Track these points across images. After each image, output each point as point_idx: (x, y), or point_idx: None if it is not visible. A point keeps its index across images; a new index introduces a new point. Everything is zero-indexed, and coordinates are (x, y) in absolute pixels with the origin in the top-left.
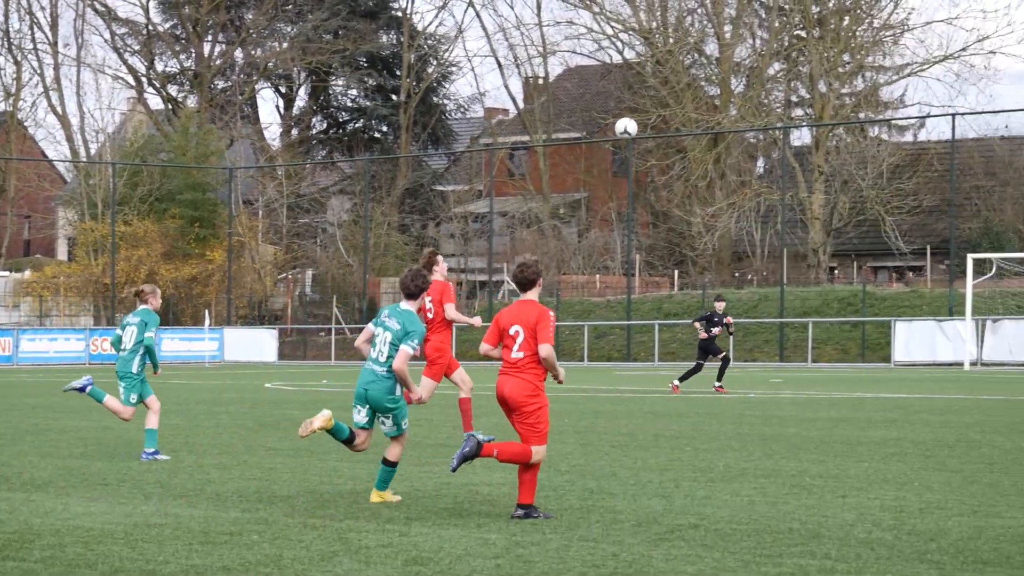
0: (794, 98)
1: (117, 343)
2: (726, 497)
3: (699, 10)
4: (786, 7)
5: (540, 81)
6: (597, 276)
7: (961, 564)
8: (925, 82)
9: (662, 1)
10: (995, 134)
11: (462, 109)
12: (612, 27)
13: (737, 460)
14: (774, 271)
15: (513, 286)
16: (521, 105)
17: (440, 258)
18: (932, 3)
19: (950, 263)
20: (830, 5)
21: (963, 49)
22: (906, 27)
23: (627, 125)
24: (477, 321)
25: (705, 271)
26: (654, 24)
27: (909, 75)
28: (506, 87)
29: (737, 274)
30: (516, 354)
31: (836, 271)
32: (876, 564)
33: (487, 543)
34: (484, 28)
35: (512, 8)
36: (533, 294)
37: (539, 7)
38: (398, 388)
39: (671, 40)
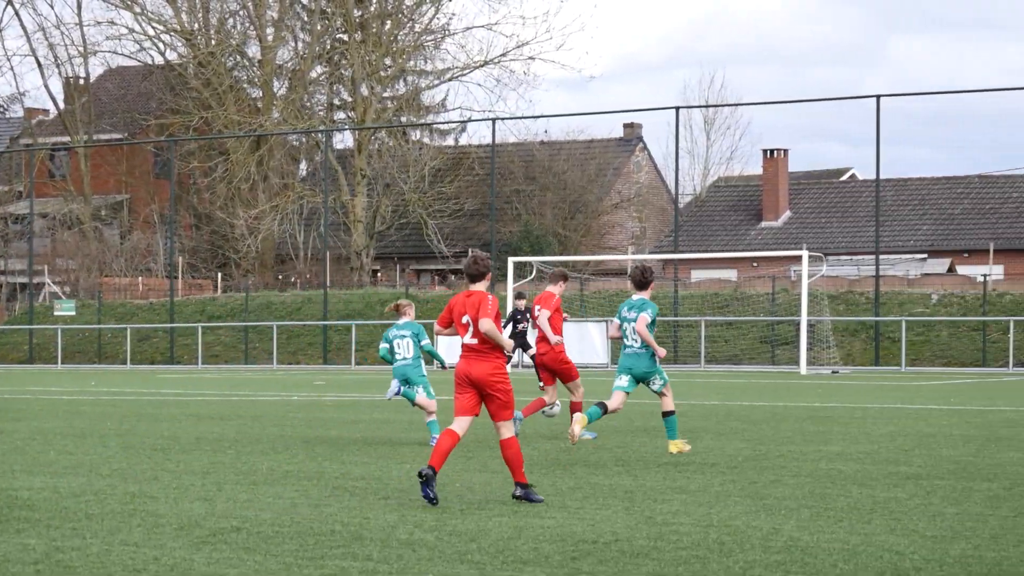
0: (336, 101)
1: (389, 354)
2: (269, 500)
3: (241, 12)
4: (328, 10)
5: (81, 81)
6: (140, 278)
7: (501, 564)
8: (466, 87)
9: (204, 2)
10: (535, 139)
11: (1, 109)
12: (154, 28)
13: (280, 463)
14: (317, 273)
15: None
16: (62, 106)
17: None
18: (472, 9)
19: (491, 266)
20: (372, 9)
21: (503, 55)
22: (447, 32)
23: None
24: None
25: (249, 273)
26: (196, 25)
27: (450, 80)
28: (46, 87)
29: (280, 276)
30: (470, 340)
31: (379, 274)
32: (418, 565)
33: (26, 548)
34: (23, 27)
35: (52, 7)
36: (482, 285)
37: (79, 6)
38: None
39: (213, 42)
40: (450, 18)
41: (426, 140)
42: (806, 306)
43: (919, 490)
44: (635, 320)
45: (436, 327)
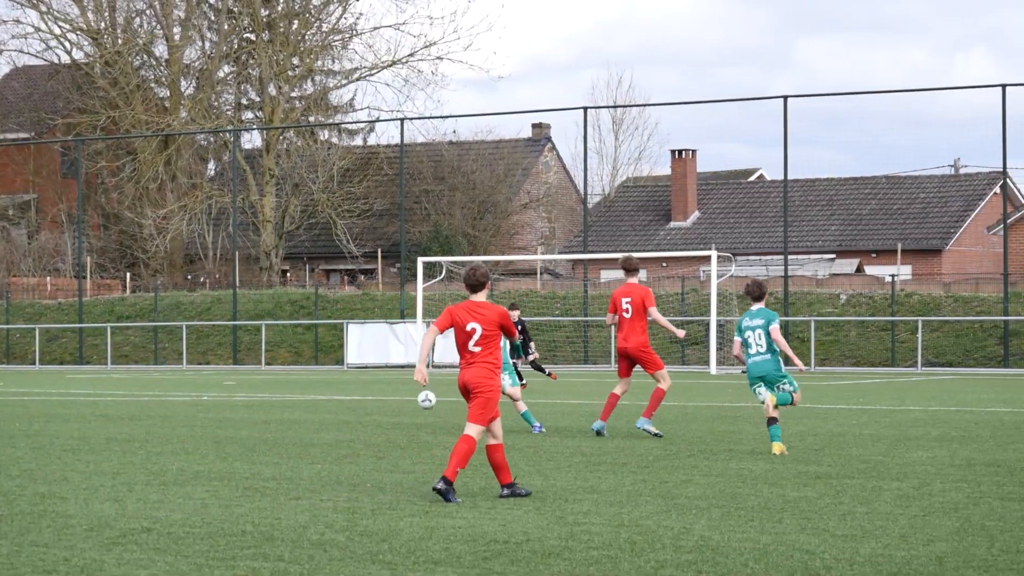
0: (244, 100)
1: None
2: (179, 500)
3: (148, 11)
4: (235, 10)
5: None
6: (48, 278)
7: (412, 564)
8: (374, 87)
9: (110, 2)
10: (443, 139)
11: None
12: (60, 27)
13: (190, 463)
14: (226, 274)
15: None
16: None
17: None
18: (380, 8)
19: (401, 266)
20: (279, 9)
21: (411, 55)
22: (355, 32)
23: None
24: (681, 333)
25: (157, 273)
26: (103, 24)
27: (358, 80)
28: None
29: (190, 276)
30: (474, 348)
31: (289, 274)
32: (329, 565)
33: None
34: None
35: None
36: (482, 296)
37: None
38: (782, 363)
39: (120, 41)
40: (357, 18)
41: (335, 140)
42: (715, 306)
43: (829, 489)
44: (760, 328)
45: (433, 330)
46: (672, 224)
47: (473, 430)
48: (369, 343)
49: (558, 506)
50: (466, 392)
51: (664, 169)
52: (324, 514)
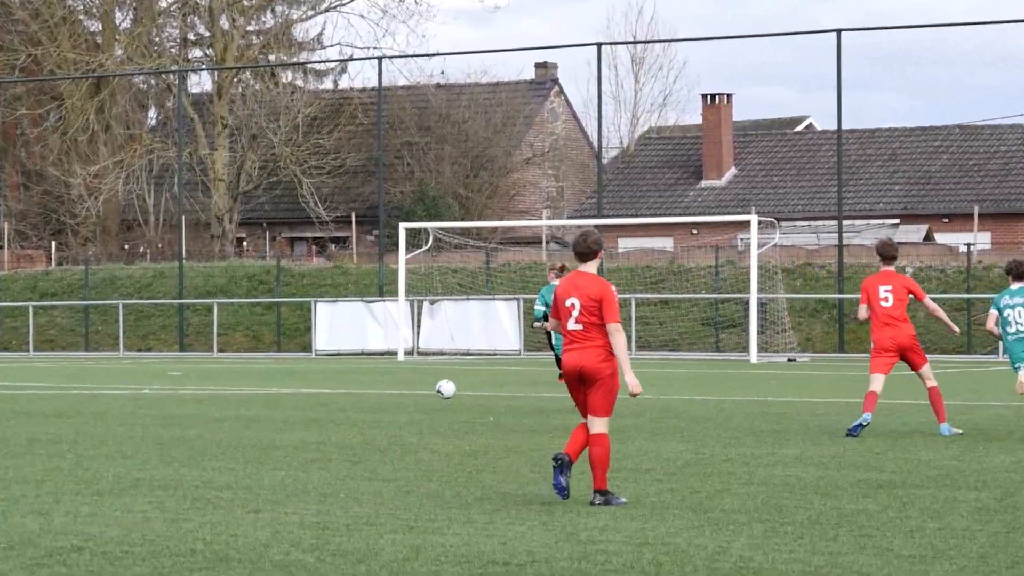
0: (191, 36)
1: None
2: (116, 513)
3: None
4: None
5: None
6: None
7: None
8: (347, 19)
9: None
10: (429, 81)
11: None
12: None
13: (129, 469)
14: (171, 243)
15: None
16: None
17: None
18: None
19: (380, 234)
20: None
21: None
22: None
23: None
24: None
25: (89, 242)
26: None
27: (327, 10)
28: None
29: (127, 246)
30: (574, 325)
31: (246, 243)
32: None
33: None
34: None
35: None
36: (592, 266)
37: None
38: None
39: None
40: None
41: (299, 83)
42: (756, 281)
43: (893, 501)
44: (1022, 306)
45: (550, 324)
46: (704, 183)
47: (601, 424)
48: (342, 325)
49: (569, 520)
50: (578, 379)
51: (694, 118)
52: (289, 530)
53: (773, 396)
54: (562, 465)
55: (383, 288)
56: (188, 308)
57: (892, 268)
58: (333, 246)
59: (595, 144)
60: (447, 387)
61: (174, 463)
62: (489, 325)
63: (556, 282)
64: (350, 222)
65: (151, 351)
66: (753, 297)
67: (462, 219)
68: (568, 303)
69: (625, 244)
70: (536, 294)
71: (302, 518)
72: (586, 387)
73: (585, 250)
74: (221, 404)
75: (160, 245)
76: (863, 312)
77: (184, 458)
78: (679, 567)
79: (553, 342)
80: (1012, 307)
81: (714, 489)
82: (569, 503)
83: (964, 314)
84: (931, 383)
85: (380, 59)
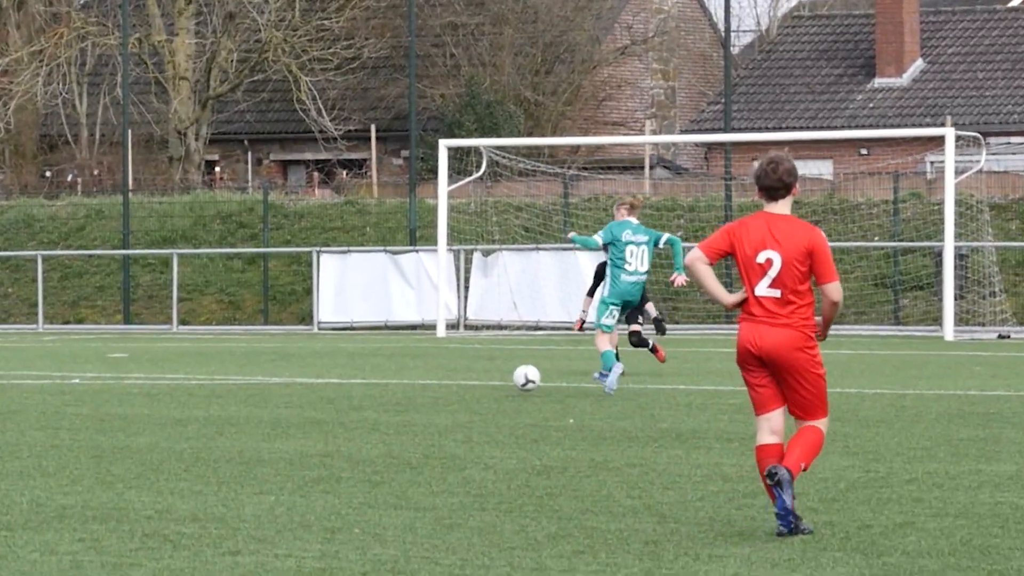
0: None
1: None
2: (34, 556)
3: None
4: None
5: None
6: None
7: None
8: None
9: None
10: None
11: None
12: None
13: (52, 493)
14: (112, 169)
15: None
16: None
17: None
18: None
19: (411, 155)
20: None
21: None
22: None
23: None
24: None
25: None
26: None
27: None
28: None
29: (49, 173)
30: (767, 291)
31: (219, 169)
32: None
33: None
34: None
35: None
36: (786, 205)
37: None
38: None
39: None
40: None
41: None
42: (953, 224)
43: None
44: None
45: (700, 257)
46: (877, 82)
47: (822, 424)
48: (356, 287)
49: (684, 565)
50: (760, 361)
51: None
52: None
53: (977, 389)
54: (780, 481)
55: (415, 233)
56: (137, 262)
57: None
58: (344, 173)
59: (721, 28)
60: (531, 373)
61: (116, 484)
62: (567, 287)
63: (631, 219)
64: (368, 139)
65: (83, 323)
66: (948, 246)
67: (529, 134)
68: (763, 258)
69: None
70: None
71: (299, 563)
72: (779, 378)
73: (776, 183)
74: (184, 400)
75: (97, 172)
76: None
77: (131, 477)
78: None
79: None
80: None
81: (892, 522)
82: (677, 540)
83: None
84: None
85: None
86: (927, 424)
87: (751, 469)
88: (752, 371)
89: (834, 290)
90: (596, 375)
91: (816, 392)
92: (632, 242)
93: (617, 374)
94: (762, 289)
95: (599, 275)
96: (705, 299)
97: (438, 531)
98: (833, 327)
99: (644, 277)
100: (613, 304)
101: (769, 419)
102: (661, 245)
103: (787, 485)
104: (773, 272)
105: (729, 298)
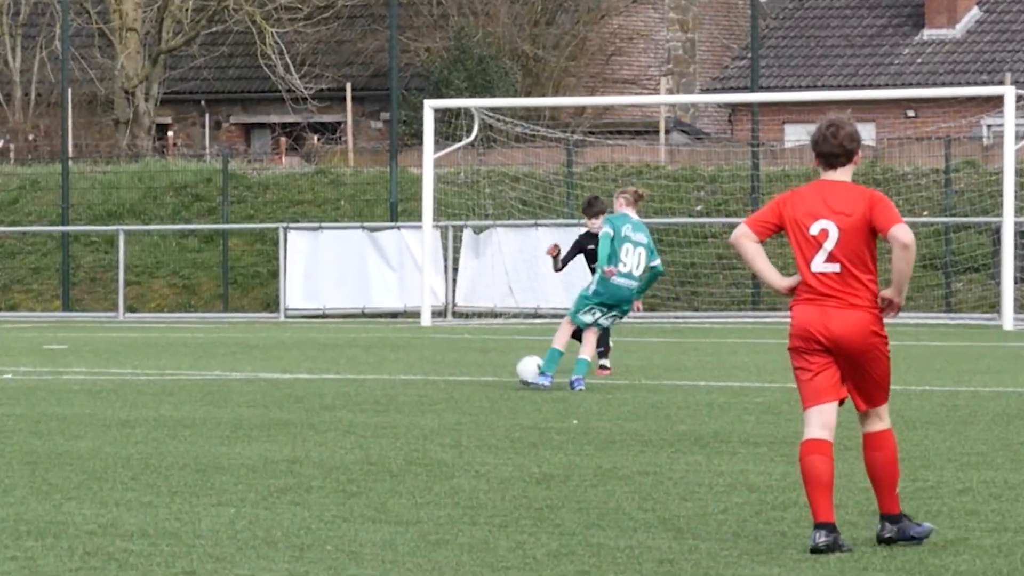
0: None
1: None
2: None
3: None
4: None
5: None
6: None
7: None
8: None
9: None
10: None
11: None
12: None
13: None
14: (50, 133)
15: None
16: None
17: None
18: None
19: (391, 117)
20: None
21: None
22: None
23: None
24: None
25: None
26: None
27: None
28: None
29: None
30: (824, 266)
31: (172, 133)
32: None
33: None
34: None
35: None
36: (846, 173)
37: None
38: None
39: None
40: None
41: None
42: (1013, 196)
43: None
44: None
45: (748, 235)
46: (927, 33)
47: (882, 417)
48: (329, 268)
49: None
50: (823, 346)
51: None
52: None
53: None
54: (899, 535)
55: (396, 207)
56: (77, 240)
57: None
58: (315, 138)
59: None
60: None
61: (54, 495)
62: (570, 269)
63: (630, 212)
64: (343, 99)
65: (15, 310)
66: (1008, 222)
67: (527, 93)
68: (816, 228)
69: (795, 133)
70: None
71: None
72: (849, 365)
73: (835, 149)
74: (132, 399)
75: (32, 137)
76: None
77: (71, 487)
78: None
79: (585, 304)
80: None
81: (943, 539)
82: (711, 561)
83: None
84: None
85: None
86: (983, 426)
87: (780, 478)
88: (810, 357)
89: (903, 232)
90: (573, 378)
91: (885, 377)
92: (630, 239)
93: (546, 383)
94: (819, 265)
95: (579, 247)
96: (728, 283)
97: (422, 548)
98: None
99: (636, 283)
100: (597, 304)
101: (822, 411)
102: (651, 263)
103: (905, 530)
104: (829, 244)
105: (783, 282)
